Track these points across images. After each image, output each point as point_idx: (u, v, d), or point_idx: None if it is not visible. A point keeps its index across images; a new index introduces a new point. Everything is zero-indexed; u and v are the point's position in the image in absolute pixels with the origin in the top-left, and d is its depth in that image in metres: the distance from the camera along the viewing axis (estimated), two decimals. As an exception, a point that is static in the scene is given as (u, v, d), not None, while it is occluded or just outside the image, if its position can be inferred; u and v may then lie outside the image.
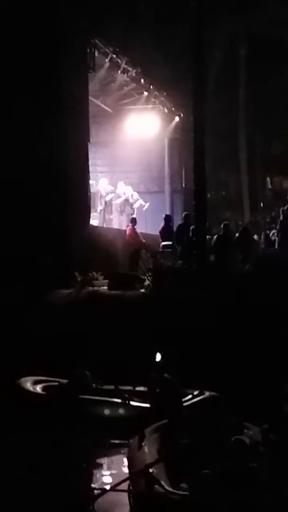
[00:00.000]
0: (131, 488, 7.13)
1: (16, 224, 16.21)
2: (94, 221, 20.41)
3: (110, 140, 25.13)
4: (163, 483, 6.71)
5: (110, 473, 9.29)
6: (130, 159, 25.42)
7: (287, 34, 31.10)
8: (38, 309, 14.88)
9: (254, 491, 6.40)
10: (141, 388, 11.26)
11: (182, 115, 26.30)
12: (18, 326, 14.40)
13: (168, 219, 20.95)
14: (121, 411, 10.70)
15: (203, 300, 14.06)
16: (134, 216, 21.40)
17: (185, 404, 10.45)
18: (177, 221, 21.46)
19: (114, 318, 14.25)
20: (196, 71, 16.58)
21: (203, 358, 12.79)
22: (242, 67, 33.85)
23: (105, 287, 15.78)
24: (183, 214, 20.67)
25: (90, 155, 19.03)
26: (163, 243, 20.02)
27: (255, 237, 23.22)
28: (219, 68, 31.88)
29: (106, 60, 20.83)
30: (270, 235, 22.96)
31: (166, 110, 26.14)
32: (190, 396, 10.79)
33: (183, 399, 10.59)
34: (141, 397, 11.01)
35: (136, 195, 23.48)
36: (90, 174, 19.40)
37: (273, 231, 22.66)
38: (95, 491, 8.21)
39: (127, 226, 20.64)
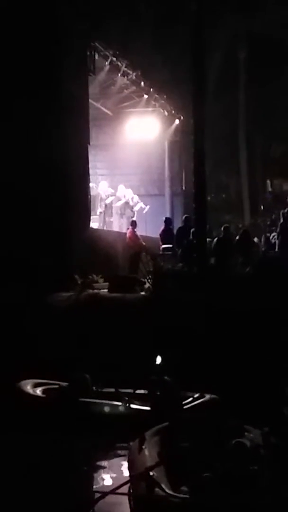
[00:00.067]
0: (131, 491, 7.11)
1: (16, 227, 16.21)
2: (94, 224, 20.42)
3: (110, 143, 25.16)
4: (163, 486, 6.69)
5: (110, 476, 9.26)
6: (130, 162, 25.43)
7: (286, 36, 31.11)
8: (38, 311, 14.87)
9: (255, 494, 6.38)
10: (142, 391, 11.24)
11: (182, 118, 26.32)
12: (18, 328, 14.39)
13: (168, 222, 20.98)
14: (121, 414, 10.68)
15: (203, 303, 14.05)
16: (134, 219, 21.41)
17: (185, 407, 10.45)
18: (177, 224, 21.49)
19: (114, 320, 14.23)
20: (196, 73, 16.59)
21: (204, 360, 12.78)
22: (241, 69, 33.89)
23: (105, 290, 15.77)
24: (183, 217, 20.69)
25: (90, 158, 19.05)
26: (163, 246, 20.03)
27: (255, 239, 23.23)
28: (219, 70, 31.90)
29: (106, 63, 20.86)
30: (271, 237, 22.94)
31: (166, 113, 26.17)
32: (190, 399, 10.78)
33: (184, 402, 10.59)
34: (141, 400, 10.99)
35: (136, 198, 23.51)
36: (90, 177, 19.41)
37: (273, 233, 22.65)
38: (95, 494, 8.20)
39: (127, 229, 20.66)
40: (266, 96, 31.84)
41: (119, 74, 22.19)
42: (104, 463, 9.86)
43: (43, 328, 14.43)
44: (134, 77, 22.84)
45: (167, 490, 6.63)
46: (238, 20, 31.68)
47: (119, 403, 10.87)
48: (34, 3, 17.02)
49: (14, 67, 16.75)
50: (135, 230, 20.25)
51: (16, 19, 16.83)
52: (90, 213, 19.13)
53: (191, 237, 17.74)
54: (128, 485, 7.22)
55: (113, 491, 7.38)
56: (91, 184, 19.59)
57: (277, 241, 20.82)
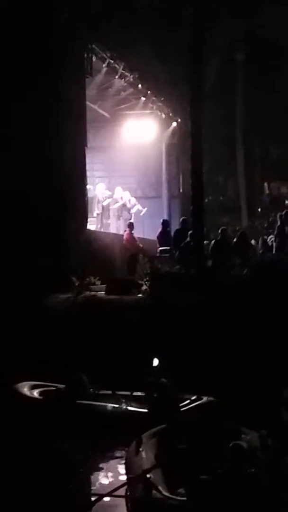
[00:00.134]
0: (128, 493, 7.11)
1: (13, 228, 16.19)
2: (91, 226, 20.41)
3: (107, 145, 25.15)
4: (160, 488, 6.69)
5: (108, 478, 9.26)
6: (128, 164, 25.44)
7: (284, 39, 31.14)
8: (35, 313, 14.86)
9: (252, 496, 6.38)
10: (139, 393, 11.24)
11: (179, 120, 26.35)
12: (15, 330, 14.38)
13: (165, 224, 20.99)
14: (118, 416, 10.68)
15: (200, 305, 14.05)
16: (131, 221, 21.41)
17: (182, 409, 10.45)
18: (175, 226, 21.48)
19: (111, 323, 14.23)
20: (193, 76, 16.59)
21: (201, 363, 12.77)
22: (239, 71, 33.91)
23: (103, 292, 15.76)
24: (181, 219, 20.70)
25: (88, 160, 19.03)
26: (161, 248, 20.04)
27: (253, 242, 23.26)
28: (216, 72, 31.91)
29: (104, 65, 20.88)
30: (268, 240, 22.98)
31: (163, 115, 26.18)
32: (187, 401, 10.78)
33: (181, 404, 10.58)
34: (138, 402, 11.00)
35: (133, 200, 23.52)
36: (88, 179, 19.40)
37: (271, 236, 22.69)
38: (93, 496, 8.19)
39: (125, 231, 20.65)
40: (263, 99, 31.85)
41: (117, 77, 22.20)
42: (101, 465, 9.85)
43: (40, 330, 14.42)
44: (131, 80, 22.85)
45: (164, 492, 6.63)
46: (235, 22, 31.69)
47: (117, 405, 10.87)
48: (32, 6, 17.01)
49: (12, 69, 16.73)
50: (132, 232, 20.25)
51: (14, 22, 16.82)
52: (87, 215, 19.11)
53: (188, 239, 17.74)
54: (125, 487, 7.22)
55: (110, 493, 7.39)
56: (88, 186, 19.58)
57: (274, 244, 20.86)
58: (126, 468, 7.87)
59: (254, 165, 35.79)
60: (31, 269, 15.70)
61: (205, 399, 10.88)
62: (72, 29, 17.67)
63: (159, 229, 20.62)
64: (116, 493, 7.31)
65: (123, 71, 22.15)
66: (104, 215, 21.87)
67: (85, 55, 18.97)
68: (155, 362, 11.07)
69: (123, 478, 7.92)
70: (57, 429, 10.43)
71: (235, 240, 19.87)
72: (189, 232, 17.62)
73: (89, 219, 19.62)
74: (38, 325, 14.54)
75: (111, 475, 9.29)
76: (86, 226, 18.87)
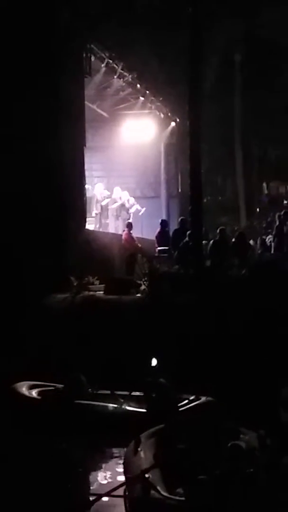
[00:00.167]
0: (127, 493, 7.11)
1: (12, 228, 16.19)
2: (90, 226, 20.42)
3: (106, 145, 25.14)
4: (159, 488, 6.70)
5: (106, 478, 9.26)
6: (126, 164, 25.44)
7: (282, 39, 31.15)
8: (33, 313, 14.86)
9: (251, 496, 6.39)
10: (137, 393, 11.24)
11: (178, 120, 26.33)
12: (13, 330, 14.38)
13: (164, 224, 21.00)
14: (117, 416, 10.68)
15: (199, 305, 14.05)
16: (130, 221, 21.41)
17: (181, 409, 10.45)
18: (173, 226, 21.48)
19: (110, 322, 14.23)
20: (192, 76, 16.58)
21: (199, 363, 12.78)
22: (238, 72, 33.91)
23: (101, 292, 15.76)
24: (179, 219, 20.70)
25: (86, 160, 19.04)
26: (159, 248, 20.05)
27: (251, 242, 23.25)
28: (215, 73, 31.91)
29: (102, 65, 20.89)
30: (266, 240, 23.00)
31: (162, 115, 26.19)
32: (186, 401, 10.78)
33: (179, 404, 10.59)
34: (137, 402, 11.00)
35: (132, 200, 23.52)
36: (86, 178, 19.41)
37: (269, 236, 22.71)
38: (91, 496, 8.19)
39: (123, 231, 20.66)
40: (262, 99, 31.84)
41: (115, 76, 22.23)
42: (100, 465, 9.86)
43: (39, 330, 14.42)
44: (130, 79, 22.86)
45: (162, 492, 6.64)
46: (235, 22, 31.67)
47: (115, 405, 10.87)
48: (31, 6, 17.02)
49: (11, 68, 16.75)
50: (131, 232, 20.25)
51: (13, 21, 16.83)
52: (86, 214, 19.13)
53: (187, 239, 17.74)
54: (123, 487, 7.23)
55: (109, 493, 7.40)
56: (87, 186, 19.59)
57: (272, 244, 20.87)
58: (125, 468, 7.88)
59: (253, 165, 35.78)
60: (30, 269, 15.71)
61: (203, 399, 10.88)
62: (72, 29, 17.68)
63: (158, 229, 20.63)
64: (115, 493, 7.32)
65: (122, 71, 22.17)
66: (103, 215, 21.88)
67: (84, 55, 18.99)
68: (154, 362, 11.09)
69: (122, 478, 7.92)
70: (55, 429, 10.43)
71: (233, 240, 19.87)
72: (188, 232, 17.63)
73: (87, 219, 19.65)
74: (37, 325, 14.54)
75: (109, 475, 9.29)
76: (84, 226, 18.89)
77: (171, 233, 20.20)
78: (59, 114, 17.07)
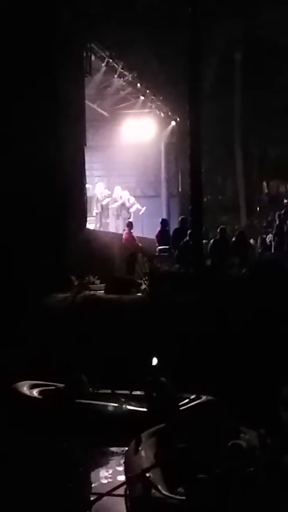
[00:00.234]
0: (128, 492, 7.12)
1: (12, 228, 16.19)
2: (90, 225, 20.43)
3: (106, 144, 25.15)
4: (160, 487, 6.71)
5: (107, 477, 9.27)
6: (127, 163, 25.46)
7: (282, 39, 31.15)
8: (34, 313, 14.86)
9: (251, 495, 6.40)
10: (138, 392, 11.25)
11: (178, 119, 26.34)
12: (14, 330, 14.38)
13: (164, 223, 21.02)
14: (117, 415, 10.69)
15: (199, 304, 14.06)
16: (130, 220, 21.42)
17: (181, 408, 10.45)
18: (174, 225, 21.49)
19: (110, 322, 14.23)
20: (192, 75, 16.58)
21: (200, 362, 12.78)
22: (238, 71, 33.91)
23: (102, 291, 15.77)
24: (180, 218, 20.71)
25: (87, 159, 19.04)
26: (160, 247, 20.07)
27: (251, 241, 23.27)
28: (215, 72, 31.91)
29: (103, 64, 20.90)
30: (266, 239, 23.02)
31: (162, 115, 26.19)
32: (187, 401, 10.78)
33: (180, 404, 10.59)
34: (137, 401, 11.00)
35: (132, 199, 23.53)
36: (87, 178, 19.41)
37: (269, 235, 22.73)
38: (92, 496, 8.20)
39: (124, 230, 20.66)
40: (262, 99, 31.85)
41: (116, 76, 22.23)
42: (101, 464, 9.86)
43: (39, 330, 14.42)
44: (130, 79, 22.87)
45: (163, 492, 6.65)
46: (234, 22, 31.69)
47: (116, 404, 10.88)
48: (32, 6, 17.02)
49: (11, 68, 16.74)
50: (131, 231, 20.26)
51: (13, 21, 16.83)
52: (86, 214, 19.13)
53: (187, 238, 17.75)
54: (124, 486, 7.24)
55: (110, 492, 7.41)
56: (87, 185, 19.59)
57: (273, 243, 20.90)
58: (125, 467, 7.89)
59: (253, 164, 35.80)
60: (30, 269, 15.69)
61: (204, 398, 10.88)
62: (72, 28, 17.68)
63: (158, 228, 20.64)
64: (116, 492, 7.33)
65: (122, 70, 22.17)
66: (103, 214, 21.89)
67: (84, 54, 18.99)
68: (154, 361, 11.09)
69: (122, 477, 7.93)
70: (56, 429, 10.43)
71: (234, 239, 19.88)
72: (188, 231, 17.63)
73: (88, 218, 19.65)
74: (37, 325, 14.53)
75: (110, 474, 9.29)
76: (85, 225, 18.89)
77: (171, 232, 20.21)
78: (59, 113, 17.07)
